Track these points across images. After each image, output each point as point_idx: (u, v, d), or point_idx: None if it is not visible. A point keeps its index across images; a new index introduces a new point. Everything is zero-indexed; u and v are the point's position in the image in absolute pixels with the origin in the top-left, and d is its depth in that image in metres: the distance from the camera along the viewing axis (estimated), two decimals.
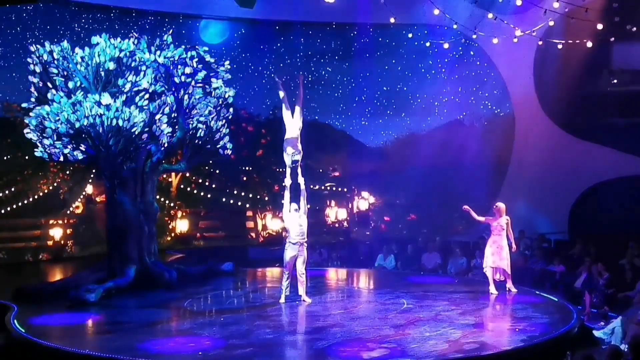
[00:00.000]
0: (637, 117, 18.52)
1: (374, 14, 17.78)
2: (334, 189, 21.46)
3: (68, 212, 18.36)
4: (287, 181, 11.93)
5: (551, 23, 12.75)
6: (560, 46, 13.41)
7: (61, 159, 12.54)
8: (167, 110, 13.15)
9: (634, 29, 12.25)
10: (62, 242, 17.98)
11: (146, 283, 13.12)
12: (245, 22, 20.80)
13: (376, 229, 20.83)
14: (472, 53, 19.94)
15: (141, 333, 10.04)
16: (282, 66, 21.10)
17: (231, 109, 14.36)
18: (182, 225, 19.80)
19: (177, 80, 12.94)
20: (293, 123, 12.09)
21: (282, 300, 11.75)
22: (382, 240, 17.87)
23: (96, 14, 19.11)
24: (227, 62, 13.98)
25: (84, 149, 12.36)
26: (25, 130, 12.58)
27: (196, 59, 13.01)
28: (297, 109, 12.18)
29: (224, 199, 20.45)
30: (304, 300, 11.77)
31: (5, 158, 17.62)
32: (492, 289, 12.39)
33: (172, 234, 19.69)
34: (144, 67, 12.85)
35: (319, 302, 11.97)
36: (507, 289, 12.43)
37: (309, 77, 18.77)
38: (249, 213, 20.73)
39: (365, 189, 21.51)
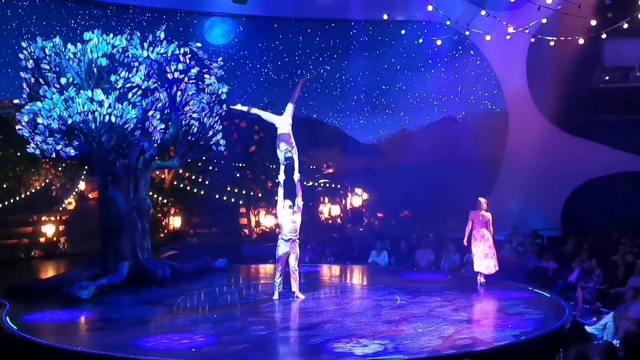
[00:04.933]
0: (629, 114, 18.62)
1: (373, 11, 17.76)
2: (328, 185, 21.47)
3: (61, 208, 18.31)
4: (281, 177, 11.91)
5: (544, 20, 12.76)
6: (552, 43, 13.43)
7: (53, 155, 12.50)
8: (160, 106, 13.13)
9: (626, 25, 12.26)
10: (55, 238, 17.94)
11: (139, 280, 13.11)
12: (243, 20, 20.80)
13: (369, 226, 20.86)
14: (472, 52, 19.98)
15: (134, 330, 10.02)
16: (280, 64, 21.11)
17: (224, 106, 14.33)
18: (175, 221, 19.79)
19: (169, 76, 12.90)
20: (284, 119, 12.07)
21: (276, 296, 11.75)
22: (376, 237, 17.88)
23: (92, 10, 19.10)
24: (220, 59, 13.95)
25: (76, 146, 12.33)
26: (17, 127, 12.52)
27: (189, 55, 12.96)
28: (290, 106, 12.15)
29: (217, 196, 20.44)
30: (297, 297, 11.77)
31: None
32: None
33: (165, 231, 19.67)
34: (136, 63, 12.82)
35: (313, 299, 11.98)
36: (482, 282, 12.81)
37: (307, 75, 18.78)
38: (242, 210, 20.74)
39: (358, 186, 21.55)
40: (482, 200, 13.09)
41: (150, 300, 12.22)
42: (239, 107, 12.71)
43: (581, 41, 12.91)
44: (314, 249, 17.36)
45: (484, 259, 12.78)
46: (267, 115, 12.40)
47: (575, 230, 17.47)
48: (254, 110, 12.54)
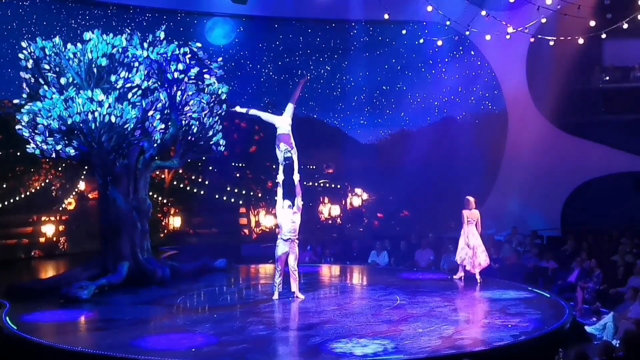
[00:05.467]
0: (629, 114, 18.65)
1: (373, 11, 17.83)
2: (328, 185, 21.46)
3: (60, 208, 18.31)
4: (280, 177, 11.94)
5: (543, 20, 12.76)
6: (552, 43, 13.44)
7: (53, 155, 12.50)
8: (159, 106, 13.12)
9: (626, 25, 12.26)
10: (55, 238, 17.93)
11: (139, 280, 13.11)
12: (243, 20, 20.80)
13: (369, 226, 20.86)
14: (472, 53, 19.98)
15: (134, 330, 10.02)
16: (280, 64, 21.11)
17: (224, 106, 14.33)
18: (175, 221, 19.78)
19: (169, 76, 12.90)
20: (283, 120, 12.09)
21: (275, 296, 11.75)
22: (375, 237, 17.89)
23: (93, 10, 19.06)
24: (220, 59, 13.94)
25: (76, 146, 12.33)
26: (17, 127, 12.52)
27: (189, 55, 12.97)
28: (290, 106, 12.17)
29: (217, 196, 20.43)
30: (297, 297, 11.78)
31: None
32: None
33: (165, 231, 19.67)
34: (136, 64, 12.82)
35: (312, 299, 11.99)
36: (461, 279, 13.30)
37: (308, 76, 18.78)
38: (242, 210, 20.73)
39: (358, 186, 21.54)
40: (472, 199, 13.31)
41: (150, 300, 12.22)
42: (237, 109, 12.75)
43: (581, 41, 12.90)
44: (313, 249, 17.37)
45: (475, 257, 13.08)
46: (266, 116, 12.45)
47: (574, 230, 17.48)
48: (253, 112, 12.59)
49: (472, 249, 13.08)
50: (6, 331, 9.89)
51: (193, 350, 8.91)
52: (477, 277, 13.06)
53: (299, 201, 11.81)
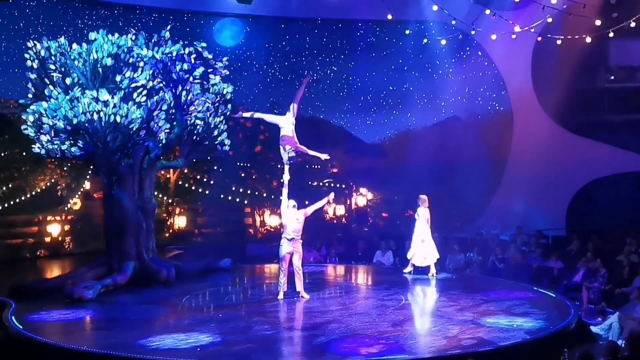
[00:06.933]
0: (634, 114, 18.61)
1: (379, 11, 17.86)
2: (333, 185, 21.47)
3: (66, 208, 18.35)
4: (286, 177, 11.96)
5: (549, 19, 12.74)
6: (559, 42, 13.41)
7: (59, 155, 12.53)
8: (164, 106, 13.14)
9: (632, 25, 12.23)
10: (60, 238, 17.98)
11: (144, 280, 13.13)
12: (249, 20, 20.82)
13: (374, 225, 20.84)
14: (479, 54, 19.95)
15: (139, 329, 10.03)
16: (286, 64, 21.13)
17: (229, 105, 14.35)
18: (180, 221, 19.81)
19: (174, 76, 12.91)
20: (287, 120, 12.11)
21: (280, 296, 11.76)
22: (381, 237, 17.88)
23: (99, 10, 19.13)
24: (225, 58, 13.95)
25: (81, 145, 12.35)
26: (23, 127, 12.56)
27: (194, 55, 12.98)
28: (294, 106, 12.18)
29: (222, 195, 20.45)
30: (302, 297, 11.78)
31: (2, 154, 17.59)
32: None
33: (170, 231, 19.70)
34: (141, 63, 12.83)
35: (317, 298, 11.98)
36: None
37: (314, 76, 18.74)
38: (247, 209, 20.74)
39: (363, 186, 21.55)
40: (425, 197, 13.93)
41: (155, 300, 12.23)
42: (241, 114, 12.83)
43: (588, 39, 12.86)
44: (318, 248, 17.36)
45: (425, 252, 13.77)
46: (270, 118, 12.52)
47: (580, 230, 17.44)
48: (257, 115, 12.69)
49: (424, 244, 13.73)
50: (12, 330, 9.93)
51: (198, 350, 8.91)
52: (432, 269, 13.73)
53: (311, 209, 11.86)
